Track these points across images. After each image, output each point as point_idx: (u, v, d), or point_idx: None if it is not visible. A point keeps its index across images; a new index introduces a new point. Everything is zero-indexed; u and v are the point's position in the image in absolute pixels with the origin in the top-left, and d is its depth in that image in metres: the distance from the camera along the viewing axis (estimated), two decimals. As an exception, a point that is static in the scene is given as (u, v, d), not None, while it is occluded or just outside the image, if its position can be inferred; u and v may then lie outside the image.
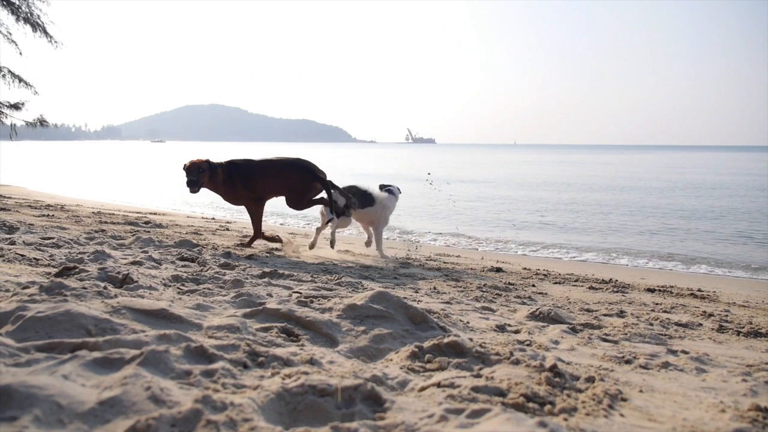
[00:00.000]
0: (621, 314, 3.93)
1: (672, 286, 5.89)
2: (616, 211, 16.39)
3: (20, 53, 18.19)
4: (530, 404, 1.59)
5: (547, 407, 1.59)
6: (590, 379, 1.97)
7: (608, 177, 34.39)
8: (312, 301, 2.97)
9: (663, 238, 11.50)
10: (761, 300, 5.42)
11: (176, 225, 8.88)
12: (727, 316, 4.24)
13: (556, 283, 5.75)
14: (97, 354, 1.59)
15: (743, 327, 3.73)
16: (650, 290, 5.56)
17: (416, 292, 4.25)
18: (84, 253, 4.32)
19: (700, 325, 3.74)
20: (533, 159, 72.18)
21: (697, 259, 9.29)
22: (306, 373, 1.58)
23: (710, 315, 4.20)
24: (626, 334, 3.11)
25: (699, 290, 5.75)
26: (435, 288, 4.59)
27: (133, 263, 4.08)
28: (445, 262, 6.87)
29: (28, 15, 17.56)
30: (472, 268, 6.37)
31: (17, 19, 17.59)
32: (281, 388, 1.44)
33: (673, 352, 2.73)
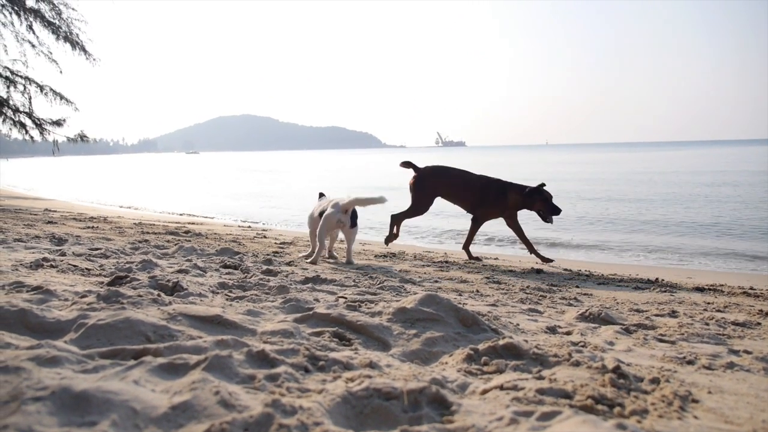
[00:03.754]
0: (673, 314, 3.81)
1: (722, 285, 5.70)
2: (658, 208, 15.98)
3: (60, 71, 18.82)
4: (599, 406, 1.54)
5: (617, 409, 1.54)
6: (655, 381, 1.90)
7: (649, 173, 33.60)
8: (360, 306, 2.97)
9: (705, 235, 11.16)
10: None
11: (215, 234, 9.03)
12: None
13: (599, 283, 5.63)
14: (161, 360, 1.61)
15: (806, 326, 3.57)
16: (699, 289, 5.39)
17: (459, 294, 4.22)
18: (132, 262, 4.42)
19: (759, 324, 3.60)
20: (567, 159, 71.09)
21: (742, 255, 8.98)
22: (369, 377, 1.57)
23: (767, 314, 4.04)
24: (683, 334, 3.01)
25: (751, 288, 5.55)
26: (478, 291, 4.54)
27: (180, 271, 4.15)
28: (484, 264, 6.81)
29: (68, 33, 18.18)
30: (512, 270, 6.29)
31: (57, 38, 18.22)
32: (346, 392, 1.43)
33: (735, 352, 2.64)
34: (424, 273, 5.63)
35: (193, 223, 12.28)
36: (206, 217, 15.29)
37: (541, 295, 4.47)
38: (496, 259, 7.89)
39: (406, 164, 7.61)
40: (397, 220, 7.53)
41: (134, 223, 10.32)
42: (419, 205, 7.38)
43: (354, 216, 6.02)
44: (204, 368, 1.52)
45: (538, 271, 6.29)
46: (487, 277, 5.48)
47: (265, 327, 2.32)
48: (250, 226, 12.52)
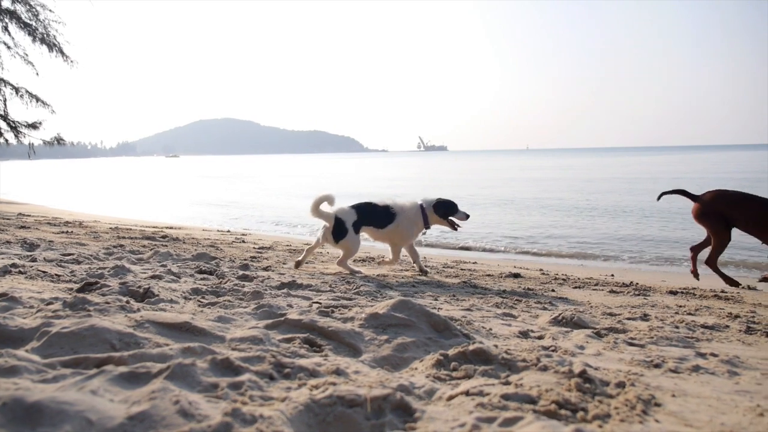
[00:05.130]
0: (645, 318, 3.86)
1: (694, 288, 5.79)
2: (634, 214, 16.21)
3: (37, 74, 18.52)
4: (562, 411, 1.55)
5: (580, 414, 1.56)
6: (621, 385, 1.93)
7: (621, 179, 34.09)
8: (333, 311, 2.96)
9: (677, 240, 11.34)
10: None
11: (192, 238, 8.94)
12: (753, 317, 4.15)
13: (575, 287, 5.68)
14: (123, 368, 1.58)
15: (772, 328, 3.65)
16: (672, 293, 5.47)
17: (435, 299, 4.22)
18: (104, 268, 4.36)
19: (727, 327, 3.66)
20: (545, 164, 71.85)
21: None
22: (333, 384, 1.56)
23: (736, 316, 4.12)
24: (652, 337, 3.05)
25: (723, 291, 5.65)
26: (454, 295, 4.55)
27: (153, 277, 4.10)
28: (462, 269, 6.83)
29: (45, 35, 17.90)
30: (489, 275, 6.32)
31: (33, 40, 17.93)
32: (309, 400, 1.42)
33: (702, 355, 2.68)
34: (402, 278, 5.63)
35: (171, 228, 12.14)
36: (188, 223, 15.14)
37: (516, 300, 4.50)
38: (474, 263, 7.93)
39: (679, 192, 6.54)
40: (699, 253, 6.57)
41: (110, 228, 10.17)
42: (721, 237, 6.21)
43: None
44: (166, 377, 1.50)
45: (516, 276, 6.33)
46: (465, 282, 5.49)
47: (234, 334, 2.30)
48: (229, 231, 12.42)
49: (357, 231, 5.76)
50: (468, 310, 3.78)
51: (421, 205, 5.91)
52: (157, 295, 3.12)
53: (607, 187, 26.88)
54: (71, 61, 18.58)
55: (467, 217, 6.01)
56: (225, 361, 1.67)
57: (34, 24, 17.74)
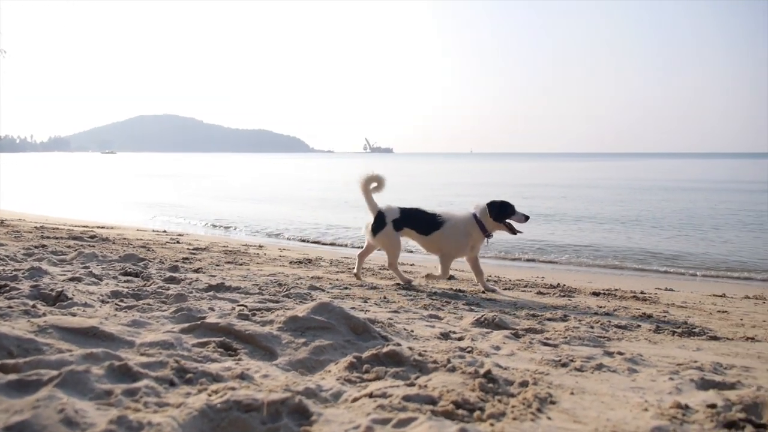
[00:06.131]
0: (564, 318, 4.02)
1: (617, 289, 6.06)
2: (560, 216, 16.82)
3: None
4: (459, 411, 1.61)
5: (477, 413, 1.61)
6: (524, 384, 2.00)
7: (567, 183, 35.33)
8: (255, 314, 2.93)
9: (609, 241, 11.86)
10: (698, 300, 5.65)
11: (124, 239, 8.63)
12: (665, 316, 4.40)
13: (506, 288, 5.84)
14: (12, 376, 1.52)
15: (678, 327, 3.88)
16: (595, 294, 5.72)
17: (365, 302, 4.25)
18: (19, 270, 4.14)
19: (639, 326, 3.87)
20: (486, 167, 73.52)
21: (647, 260, 9.65)
22: (233, 389, 1.55)
23: (649, 316, 4.35)
24: (566, 337, 3.19)
25: (642, 292, 5.94)
26: (385, 297, 4.60)
27: (71, 279, 3.94)
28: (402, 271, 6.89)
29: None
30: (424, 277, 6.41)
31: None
32: (205, 405, 1.41)
33: (609, 354, 2.82)
34: (337, 280, 5.63)
35: (103, 227, 11.69)
36: (123, 223, 14.59)
37: (446, 301, 4.59)
38: (412, 265, 8.02)
39: None
40: None
41: (35, 227, 9.68)
42: None
43: None
44: (56, 384, 1.45)
45: (450, 278, 6.44)
46: (398, 284, 5.55)
47: (145, 338, 2.24)
48: (165, 231, 12.06)
49: (397, 229, 5.49)
50: (395, 312, 3.82)
51: (474, 215, 5.41)
52: (71, 299, 3.00)
53: (547, 193, 27.80)
54: (3, 52, 17.57)
55: (527, 218, 5.45)
56: (123, 367, 1.64)
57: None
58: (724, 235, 12.95)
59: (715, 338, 3.62)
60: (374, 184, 5.55)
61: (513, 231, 5.43)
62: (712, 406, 1.82)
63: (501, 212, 5.37)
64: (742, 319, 4.56)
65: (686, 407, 1.82)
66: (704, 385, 2.22)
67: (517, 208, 5.46)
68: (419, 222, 5.52)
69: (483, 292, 5.42)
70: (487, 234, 5.41)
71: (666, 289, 6.68)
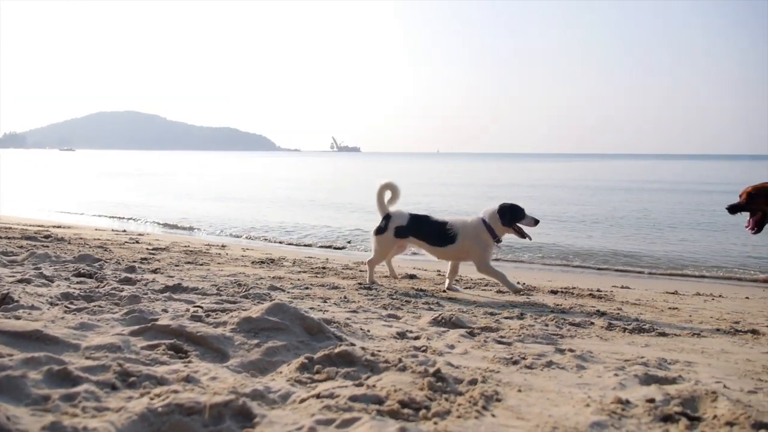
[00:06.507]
0: (521, 316, 4.10)
1: (574, 288, 6.20)
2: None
3: None
4: (405, 410, 1.62)
5: (422, 412, 1.64)
6: (473, 382, 2.04)
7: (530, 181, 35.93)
8: (209, 315, 2.90)
9: (570, 240, 12.12)
10: (651, 298, 5.82)
11: (80, 239, 8.40)
12: (618, 314, 4.52)
13: (466, 288, 5.91)
14: (-56, 383, 1.47)
15: (630, 324, 3.99)
16: (554, 292, 5.83)
17: (325, 302, 4.24)
18: (-36, 272, 4.00)
19: (592, 324, 3.97)
20: (456, 168, 74.20)
21: (609, 261, 9.90)
22: (176, 392, 1.54)
23: (603, 314, 4.47)
24: (520, 336, 3.25)
25: (598, 290, 6.09)
26: (346, 297, 4.60)
27: (21, 281, 3.83)
28: (361, 270, 6.90)
29: None
30: (386, 276, 6.43)
31: None
32: (146, 409, 1.39)
33: (561, 351, 2.88)
34: (298, 280, 5.61)
35: (59, 227, 11.35)
36: (82, 222, 14.20)
37: (406, 300, 4.61)
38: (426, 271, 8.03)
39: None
40: None
41: (-14, 227, 9.33)
42: None
43: None
44: (-10, 391, 1.41)
45: (412, 277, 6.48)
46: (360, 284, 5.56)
47: (92, 341, 2.19)
48: (125, 231, 11.79)
49: (397, 235, 5.46)
50: (354, 312, 3.83)
51: (483, 220, 5.27)
52: (17, 301, 2.91)
53: (512, 192, 28.22)
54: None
55: (536, 222, 5.27)
56: (62, 372, 1.60)
57: None
58: (680, 234, 13.39)
59: (663, 334, 3.74)
60: (388, 192, 5.61)
61: (523, 235, 5.28)
62: (651, 400, 1.89)
63: (512, 217, 5.23)
64: (690, 316, 4.72)
65: (627, 402, 1.88)
66: (647, 380, 2.30)
67: (527, 212, 5.31)
68: (427, 231, 5.44)
69: (444, 290, 5.48)
70: (497, 239, 5.30)
71: (622, 287, 6.86)
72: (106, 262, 5.57)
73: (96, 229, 11.73)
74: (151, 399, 1.50)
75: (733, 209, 4.94)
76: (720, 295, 6.49)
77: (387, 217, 5.56)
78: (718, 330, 4.03)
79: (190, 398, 1.44)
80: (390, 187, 5.59)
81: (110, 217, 16.01)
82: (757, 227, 4.83)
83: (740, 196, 4.95)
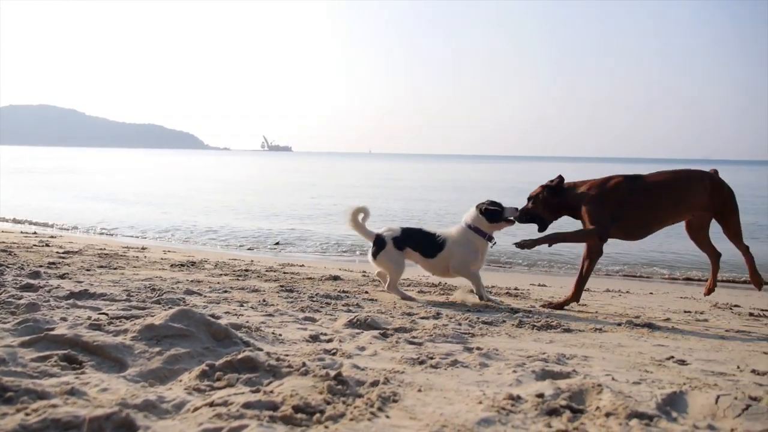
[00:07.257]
0: (437, 316, 4.19)
1: (494, 286, 6.40)
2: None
3: None
4: (299, 415, 1.63)
5: (316, 416, 1.65)
6: (374, 384, 2.08)
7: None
8: (111, 323, 2.79)
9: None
10: (564, 295, 6.11)
11: (-18, 242, 7.84)
12: (530, 312, 4.72)
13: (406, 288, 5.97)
14: None
15: (539, 321, 4.17)
16: (473, 291, 5.99)
17: (241, 305, 4.18)
18: None
19: (504, 321, 4.12)
20: (381, 168, 74.85)
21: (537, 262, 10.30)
22: (54, 407, 1.47)
23: (516, 312, 4.65)
24: (432, 335, 3.33)
25: (516, 289, 6.33)
26: (264, 300, 4.54)
27: None
28: (285, 272, 6.84)
29: None
30: (310, 278, 6.41)
31: None
32: (18, 426, 1.33)
33: (469, 350, 2.98)
34: (218, 283, 5.48)
35: (-41, 230, 10.54)
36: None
37: (326, 303, 4.61)
38: (302, 266, 7.99)
39: None
40: None
41: None
42: None
43: None
44: None
45: (335, 278, 6.49)
46: (282, 286, 5.50)
47: (-26, 355, 2.06)
48: (35, 233, 11.10)
49: (398, 248, 5.28)
50: (270, 315, 3.79)
51: (469, 225, 5.28)
52: None
53: (439, 196, 28.77)
54: None
55: (517, 210, 5.37)
56: (-73, 390, 1.50)
57: None
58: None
59: (568, 330, 3.94)
60: (362, 215, 5.46)
61: (511, 222, 5.40)
62: (540, 395, 1.99)
63: (495, 214, 5.32)
64: (596, 312, 5.00)
65: (518, 398, 1.97)
66: (543, 375, 2.42)
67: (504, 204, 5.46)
68: (421, 242, 5.38)
69: (363, 292, 5.53)
70: (488, 237, 5.35)
71: (539, 285, 7.16)
72: (9, 267, 5.24)
73: (2, 231, 10.98)
74: (27, 415, 1.44)
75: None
76: (627, 291, 6.91)
77: (378, 237, 5.36)
78: (618, 325, 4.28)
79: (69, 412, 1.39)
80: (363, 210, 5.49)
81: (14, 221, 14.93)
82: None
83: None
